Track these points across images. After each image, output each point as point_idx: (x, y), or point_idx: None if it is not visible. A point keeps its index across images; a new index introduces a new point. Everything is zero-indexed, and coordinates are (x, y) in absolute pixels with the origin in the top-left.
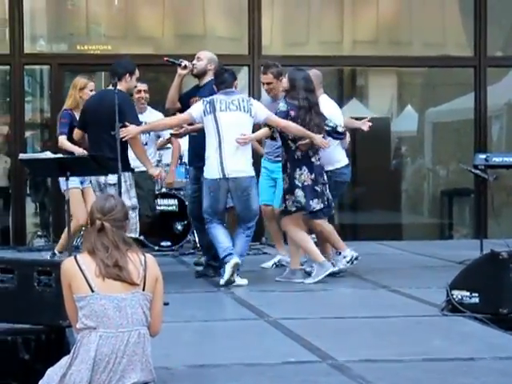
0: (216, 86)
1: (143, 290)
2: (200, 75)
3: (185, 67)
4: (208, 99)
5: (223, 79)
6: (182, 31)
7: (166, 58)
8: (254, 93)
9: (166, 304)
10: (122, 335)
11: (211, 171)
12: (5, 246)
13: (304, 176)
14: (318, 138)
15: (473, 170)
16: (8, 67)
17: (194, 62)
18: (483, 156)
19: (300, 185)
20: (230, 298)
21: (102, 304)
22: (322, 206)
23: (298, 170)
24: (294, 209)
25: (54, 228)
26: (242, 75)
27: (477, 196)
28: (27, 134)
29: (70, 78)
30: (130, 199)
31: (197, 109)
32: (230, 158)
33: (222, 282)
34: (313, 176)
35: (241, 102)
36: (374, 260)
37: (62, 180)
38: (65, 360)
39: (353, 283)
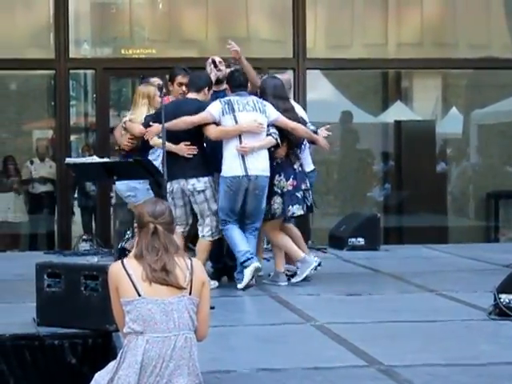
0: (230, 88)
1: (190, 294)
2: (221, 81)
3: (219, 70)
4: (225, 99)
5: (239, 81)
6: (225, 34)
7: (212, 58)
8: (299, 96)
9: (211, 308)
10: (168, 339)
11: (232, 169)
12: (50, 251)
13: (283, 182)
14: (322, 141)
15: None
16: (53, 72)
17: (220, 67)
18: None
19: (279, 191)
20: (277, 302)
21: (148, 308)
22: (302, 211)
23: (277, 176)
24: (270, 216)
25: (99, 232)
26: None
27: None
28: (72, 138)
29: (115, 82)
30: (215, 203)
31: (216, 108)
32: (251, 157)
33: (240, 286)
34: (294, 182)
35: (256, 103)
36: (421, 263)
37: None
38: (112, 365)
39: (399, 287)
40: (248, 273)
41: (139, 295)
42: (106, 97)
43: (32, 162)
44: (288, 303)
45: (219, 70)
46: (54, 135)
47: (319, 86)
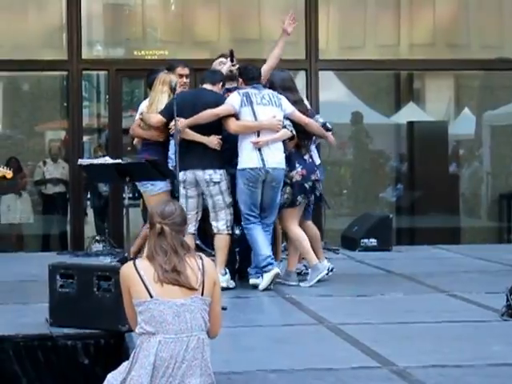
0: (244, 81)
1: (202, 294)
2: (233, 78)
3: (233, 65)
4: (243, 92)
5: (253, 74)
6: (237, 35)
7: (231, 49)
8: (311, 97)
9: (224, 309)
10: (181, 340)
11: (250, 161)
12: (63, 251)
13: (293, 173)
14: (330, 137)
15: None
16: (66, 73)
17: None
18: None
19: (288, 181)
20: (289, 303)
21: (160, 310)
22: (305, 201)
23: (287, 166)
24: (280, 205)
25: (112, 233)
26: (299, 79)
27: None
28: (84, 139)
29: (127, 82)
30: (229, 196)
31: (236, 99)
32: (268, 149)
33: (260, 286)
34: (303, 172)
35: (271, 96)
36: (433, 264)
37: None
38: (124, 365)
39: (412, 288)
40: (268, 278)
41: (151, 296)
42: (118, 98)
43: (45, 163)
44: (300, 304)
45: (234, 65)
46: (66, 136)
47: (332, 87)
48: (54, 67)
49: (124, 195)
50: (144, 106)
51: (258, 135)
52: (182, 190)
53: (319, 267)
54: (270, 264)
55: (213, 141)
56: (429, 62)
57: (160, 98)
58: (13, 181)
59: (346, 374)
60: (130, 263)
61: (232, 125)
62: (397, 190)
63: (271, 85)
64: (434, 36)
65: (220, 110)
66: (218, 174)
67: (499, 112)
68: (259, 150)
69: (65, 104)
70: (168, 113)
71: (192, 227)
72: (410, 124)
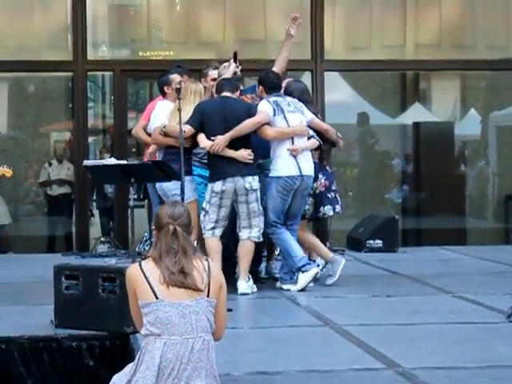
0: (265, 90)
1: (207, 296)
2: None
3: (237, 66)
4: (272, 100)
5: (275, 83)
6: (243, 36)
7: (236, 50)
8: (317, 98)
9: (229, 310)
10: (186, 342)
11: (287, 169)
12: (68, 252)
13: (316, 184)
14: (341, 143)
15: None
16: (71, 74)
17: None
18: None
19: (311, 192)
20: (295, 304)
21: (166, 311)
22: (332, 212)
23: None
24: (303, 215)
25: (117, 234)
26: (305, 80)
27: None
28: (90, 140)
29: (133, 84)
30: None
31: (269, 108)
32: (302, 157)
33: (295, 288)
34: (326, 183)
35: (295, 104)
36: (439, 265)
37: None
38: (129, 367)
39: (418, 289)
40: (307, 277)
41: (157, 298)
42: (123, 99)
43: (50, 164)
44: (306, 305)
45: (238, 67)
46: (71, 137)
47: (337, 88)
48: (59, 68)
49: (130, 196)
50: (161, 112)
51: (293, 143)
52: (213, 199)
53: (337, 259)
54: (308, 264)
55: (243, 155)
56: (435, 63)
57: (188, 107)
58: None
59: (351, 376)
60: (136, 265)
61: (269, 131)
62: (403, 191)
63: (289, 95)
64: (440, 36)
65: (260, 118)
66: (256, 182)
67: (505, 112)
68: (295, 157)
69: (70, 105)
70: (196, 122)
71: (219, 233)
72: (416, 125)
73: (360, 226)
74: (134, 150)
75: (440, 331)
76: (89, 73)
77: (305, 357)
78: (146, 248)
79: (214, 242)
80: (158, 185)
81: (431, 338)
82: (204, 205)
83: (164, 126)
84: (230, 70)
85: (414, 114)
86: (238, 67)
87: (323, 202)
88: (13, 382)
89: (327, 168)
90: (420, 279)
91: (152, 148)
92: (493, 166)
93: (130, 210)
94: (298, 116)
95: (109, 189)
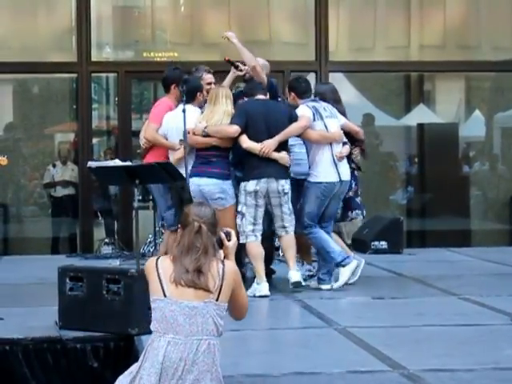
0: (297, 95)
1: (217, 299)
2: (249, 81)
3: (240, 70)
4: (310, 105)
5: (306, 88)
6: (247, 37)
7: (227, 58)
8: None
9: None
10: (190, 343)
11: (329, 175)
12: (72, 254)
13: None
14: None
15: None
16: (75, 75)
17: (247, 67)
18: None
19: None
20: (298, 306)
21: (172, 310)
22: (361, 216)
23: None
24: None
25: (121, 235)
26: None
27: None
28: (94, 141)
29: (137, 85)
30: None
31: (309, 113)
32: (341, 162)
33: (337, 284)
34: (355, 188)
35: (330, 108)
36: (444, 267)
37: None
38: (135, 365)
39: (422, 291)
40: (348, 271)
41: (165, 296)
42: (127, 100)
43: (54, 166)
44: (310, 307)
45: (240, 70)
46: (76, 138)
47: (342, 89)
48: (63, 69)
49: (135, 197)
50: (193, 115)
51: (331, 147)
52: (248, 200)
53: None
54: (347, 257)
55: (284, 157)
56: (439, 64)
57: (225, 109)
58: None
59: (355, 378)
60: (154, 259)
61: (314, 134)
62: (407, 193)
63: (322, 97)
64: (444, 38)
65: (306, 122)
66: (288, 185)
67: (510, 114)
68: (334, 163)
69: (74, 106)
70: (243, 122)
71: (259, 236)
72: (421, 126)
73: (365, 228)
74: (138, 151)
75: (445, 333)
76: (93, 74)
77: (309, 359)
78: (151, 250)
79: (256, 249)
80: (194, 187)
81: (436, 340)
82: (239, 208)
83: (205, 127)
84: (228, 78)
85: (419, 115)
86: (241, 71)
87: (352, 207)
88: (17, 383)
89: (355, 173)
90: (425, 281)
91: (180, 153)
92: (497, 168)
93: (134, 212)
94: (335, 121)
95: (113, 190)
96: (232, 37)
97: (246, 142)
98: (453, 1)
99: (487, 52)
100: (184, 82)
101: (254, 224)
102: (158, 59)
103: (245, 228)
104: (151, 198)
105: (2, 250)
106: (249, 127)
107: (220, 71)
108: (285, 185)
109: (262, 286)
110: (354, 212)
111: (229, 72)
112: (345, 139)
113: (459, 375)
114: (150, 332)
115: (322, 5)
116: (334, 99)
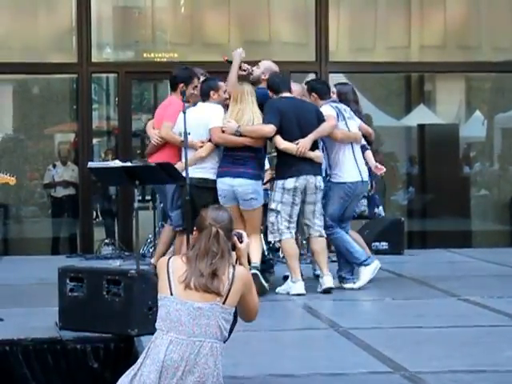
0: (319, 96)
1: (224, 302)
2: (254, 82)
3: (244, 70)
4: (333, 105)
5: (327, 89)
6: (248, 37)
7: (225, 58)
8: None
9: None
10: (193, 344)
11: (351, 175)
12: (72, 254)
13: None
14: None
15: None
16: (75, 75)
17: (254, 68)
18: None
19: (365, 194)
20: (300, 307)
21: (176, 309)
22: (383, 213)
23: None
24: (358, 215)
25: (121, 236)
26: None
27: None
28: (94, 141)
29: (137, 85)
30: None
31: (334, 113)
32: (361, 162)
33: (358, 284)
34: (375, 185)
35: (348, 110)
36: (445, 268)
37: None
38: (136, 362)
39: (423, 292)
40: (369, 271)
41: (171, 294)
42: (128, 100)
43: (54, 166)
44: (311, 308)
45: (243, 71)
46: (76, 139)
47: None
48: (63, 70)
49: (135, 198)
50: (217, 113)
51: (353, 148)
52: (285, 198)
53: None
54: (369, 257)
55: (320, 156)
56: (440, 65)
57: (252, 108)
58: None
59: (356, 380)
60: (166, 258)
61: (339, 133)
62: (408, 193)
63: (344, 98)
64: (444, 38)
65: (335, 122)
66: (322, 182)
67: (510, 114)
68: (357, 163)
69: (74, 107)
70: (278, 121)
71: (294, 233)
72: (421, 127)
73: (366, 229)
74: (138, 151)
75: (446, 334)
76: (93, 74)
77: (310, 360)
78: (151, 250)
79: (292, 247)
80: (226, 187)
81: (437, 342)
82: (274, 206)
83: (238, 126)
84: (232, 74)
85: (419, 115)
86: (244, 70)
87: (377, 204)
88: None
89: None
90: (426, 282)
91: (204, 151)
92: (497, 168)
93: (134, 212)
94: (354, 123)
95: (114, 190)
96: (237, 54)
97: (282, 144)
98: (453, 1)
99: (487, 53)
100: (203, 82)
101: (290, 221)
102: (158, 60)
103: (280, 225)
104: (150, 198)
105: (2, 250)
106: (282, 126)
107: (220, 71)
108: (321, 181)
109: (297, 285)
110: (379, 208)
111: (228, 72)
112: (363, 141)
113: (460, 376)
114: (150, 333)
115: (323, 5)
116: (355, 100)
